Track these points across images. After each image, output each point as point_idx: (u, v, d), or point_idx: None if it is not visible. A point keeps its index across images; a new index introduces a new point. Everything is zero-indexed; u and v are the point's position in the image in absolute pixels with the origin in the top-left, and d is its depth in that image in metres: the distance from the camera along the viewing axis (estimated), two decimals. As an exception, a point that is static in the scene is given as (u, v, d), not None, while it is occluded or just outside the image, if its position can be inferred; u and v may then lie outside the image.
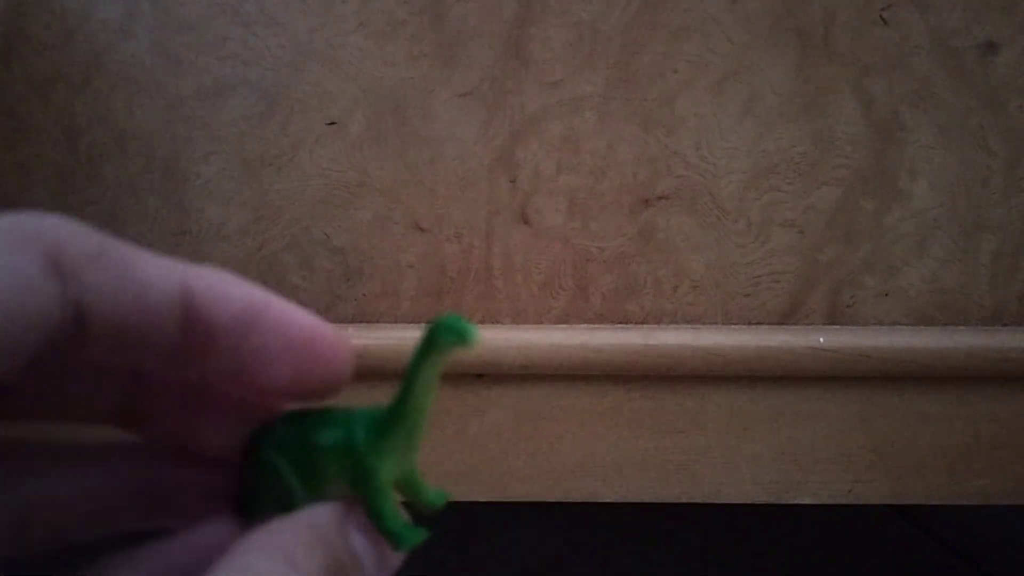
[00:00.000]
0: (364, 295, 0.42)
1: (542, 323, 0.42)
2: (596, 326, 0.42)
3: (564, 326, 0.42)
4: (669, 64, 0.40)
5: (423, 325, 0.18)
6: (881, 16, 0.40)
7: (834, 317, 0.42)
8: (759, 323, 0.42)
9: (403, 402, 0.17)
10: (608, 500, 0.43)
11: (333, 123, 0.40)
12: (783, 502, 0.43)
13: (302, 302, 0.41)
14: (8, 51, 0.40)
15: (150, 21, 0.39)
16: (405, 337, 0.42)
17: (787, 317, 0.42)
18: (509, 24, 0.39)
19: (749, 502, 0.43)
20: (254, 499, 0.18)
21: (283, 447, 0.17)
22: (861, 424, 0.43)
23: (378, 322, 0.42)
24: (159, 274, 0.16)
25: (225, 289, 0.16)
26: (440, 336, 0.16)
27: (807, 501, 0.43)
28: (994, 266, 0.42)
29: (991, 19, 0.40)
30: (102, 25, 0.39)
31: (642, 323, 0.42)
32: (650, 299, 0.42)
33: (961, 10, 0.40)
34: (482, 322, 0.42)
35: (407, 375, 0.17)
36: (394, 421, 0.17)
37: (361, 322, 0.42)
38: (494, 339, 0.41)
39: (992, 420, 0.43)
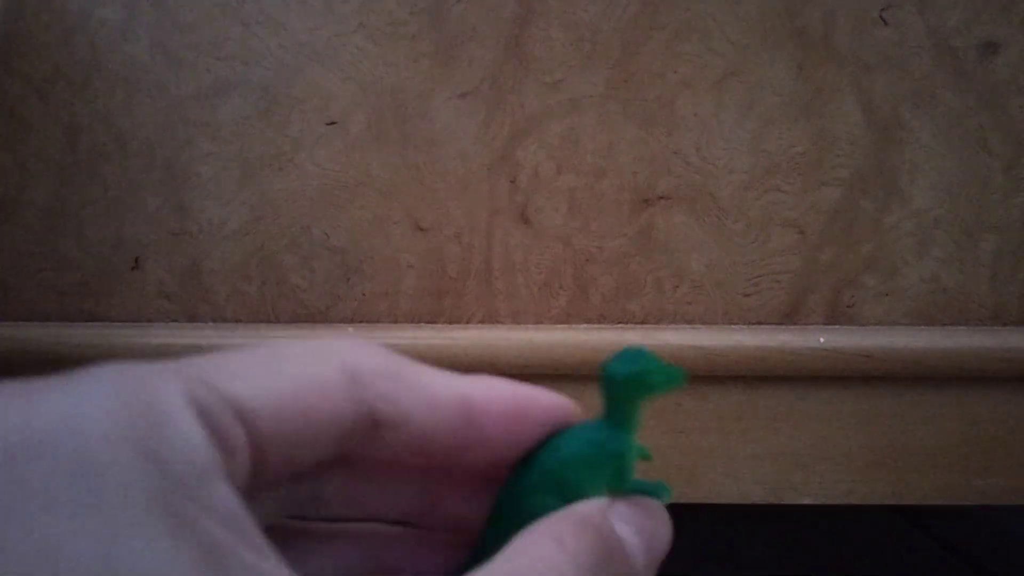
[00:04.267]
0: (364, 295, 0.42)
1: (542, 323, 0.42)
2: (596, 326, 0.42)
3: (564, 326, 0.42)
4: (669, 64, 0.40)
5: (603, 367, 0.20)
6: (881, 16, 0.40)
7: (834, 317, 0.42)
8: (759, 323, 0.42)
9: (626, 419, 0.20)
10: (608, 500, 0.43)
11: (333, 123, 0.40)
12: (783, 502, 0.43)
13: (302, 302, 0.41)
14: (8, 51, 0.40)
15: (150, 21, 0.39)
16: (405, 337, 0.41)
17: (787, 317, 0.42)
18: (509, 24, 0.39)
19: (749, 502, 0.43)
20: (506, 525, 0.20)
21: (540, 476, 0.20)
22: (861, 424, 0.43)
23: (378, 322, 0.42)
24: (444, 386, 0.19)
25: (495, 392, 0.19)
26: (653, 381, 0.19)
27: (807, 501, 0.43)
28: (994, 266, 0.42)
29: (990, 19, 0.40)
30: (102, 25, 0.39)
31: (642, 323, 0.42)
32: (650, 299, 0.42)
33: (960, 10, 0.40)
34: (482, 322, 0.42)
35: (618, 405, 0.19)
36: (624, 428, 0.20)
37: (361, 322, 0.42)
38: (494, 339, 0.41)
39: (992, 420, 0.43)
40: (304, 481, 0.20)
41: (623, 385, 0.19)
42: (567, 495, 0.19)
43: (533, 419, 0.20)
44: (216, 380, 0.15)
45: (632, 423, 0.20)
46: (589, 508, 0.19)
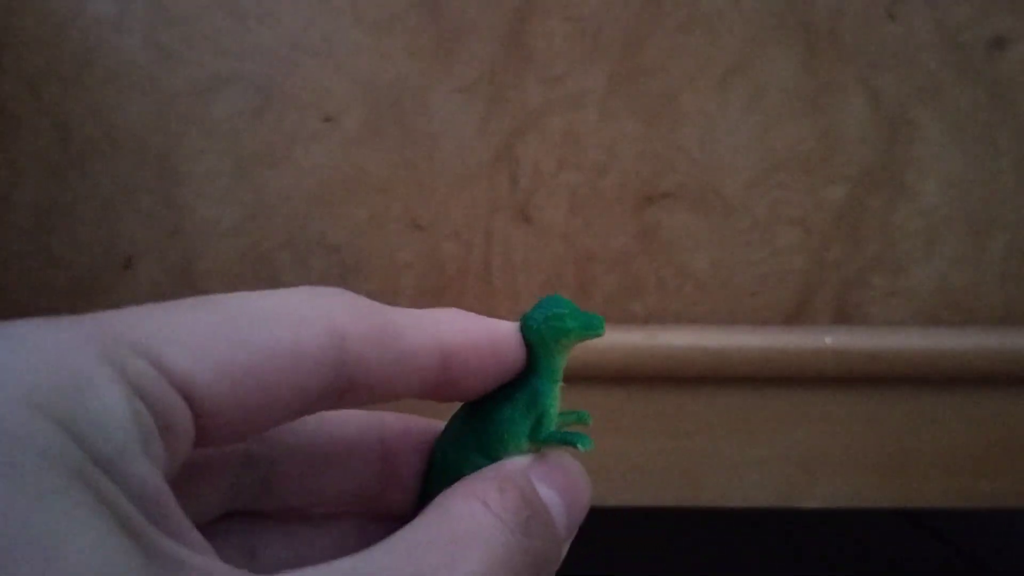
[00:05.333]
0: (361, 294, 0.42)
1: (543, 323, 0.42)
2: (598, 326, 0.42)
3: (565, 326, 0.42)
4: (673, 59, 0.39)
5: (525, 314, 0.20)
6: (888, 11, 0.40)
7: (841, 317, 0.42)
8: (765, 323, 0.42)
9: (546, 370, 0.19)
10: (611, 504, 0.43)
11: (329, 119, 0.40)
12: (790, 506, 0.43)
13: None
14: (0, 46, 0.39)
15: (143, 15, 0.39)
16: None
17: (793, 317, 0.42)
18: (509, 17, 0.39)
19: (755, 506, 0.43)
20: (436, 486, 0.19)
21: (465, 431, 0.20)
22: (869, 426, 0.42)
23: (375, 322, 0.42)
24: (424, 340, 0.18)
25: (472, 338, 0.19)
26: (567, 327, 0.19)
27: (814, 505, 0.43)
28: (1004, 264, 0.41)
29: (999, 14, 0.40)
30: (94, 20, 0.39)
31: (645, 323, 0.42)
32: (653, 299, 0.42)
33: (968, 5, 0.40)
34: (482, 322, 0.42)
35: (538, 355, 0.20)
36: (544, 379, 0.19)
37: (358, 322, 0.42)
38: (494, 340, 0.41)
39: (1002, 421, 0.42)
40: (253, 466, 0.18)
41: (539, 332, 0.19)
42: (488, 450, 0.19)
43: (504, 361, 0.20)
44: (153, 345, 0.14)
45: (552, 373, 0.20)
46: (511, 468, 0.18)
